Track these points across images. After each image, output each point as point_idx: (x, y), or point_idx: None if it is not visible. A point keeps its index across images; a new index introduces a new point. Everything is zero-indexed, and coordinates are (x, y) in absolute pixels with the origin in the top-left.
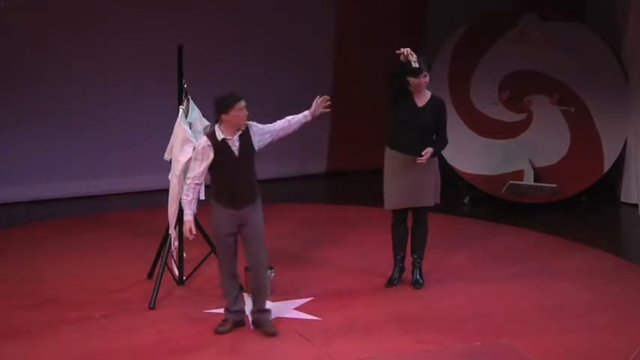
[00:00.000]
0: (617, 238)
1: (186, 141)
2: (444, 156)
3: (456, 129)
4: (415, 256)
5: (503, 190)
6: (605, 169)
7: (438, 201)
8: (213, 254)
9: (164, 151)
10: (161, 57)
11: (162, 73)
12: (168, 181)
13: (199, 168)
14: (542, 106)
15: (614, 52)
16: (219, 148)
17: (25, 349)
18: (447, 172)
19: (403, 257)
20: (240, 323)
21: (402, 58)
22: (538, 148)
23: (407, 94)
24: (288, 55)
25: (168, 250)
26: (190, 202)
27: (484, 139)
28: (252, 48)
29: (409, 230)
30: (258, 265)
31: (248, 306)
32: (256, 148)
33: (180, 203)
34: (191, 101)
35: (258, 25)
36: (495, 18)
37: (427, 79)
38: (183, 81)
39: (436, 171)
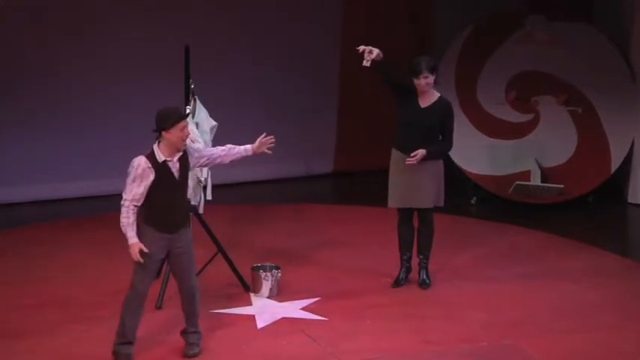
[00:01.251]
0: (624, 238)
1: (193, 141)
2: (451, 156)
3: (463, 129)
4: (421, 256)
5: (510, 191)
6: (613, 170)
7: (441, 204)
8: (219, 254)
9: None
10: (168, 57)
11: (169, 73)
12: None
13: (138, 189)
14: (549, 106)
15: (622, 52)
16: (160, 170)
17: (33, 349)
18: (454, 172)
19: (409, 257)
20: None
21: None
22: (545, 148)
23: (412, 95)
24: (293, 56)
25: None
26: (132, 224)
27: (491, 139)
28: (258, 48)
29: (415, 230)
30: (194, 290)
31: (256, 305)
32: (190, 169)
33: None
34: (198, 101)
35: (263, 25)
36: (502, 18)
37: (429, 80)
38: (190, 81)
39: (439, 173)
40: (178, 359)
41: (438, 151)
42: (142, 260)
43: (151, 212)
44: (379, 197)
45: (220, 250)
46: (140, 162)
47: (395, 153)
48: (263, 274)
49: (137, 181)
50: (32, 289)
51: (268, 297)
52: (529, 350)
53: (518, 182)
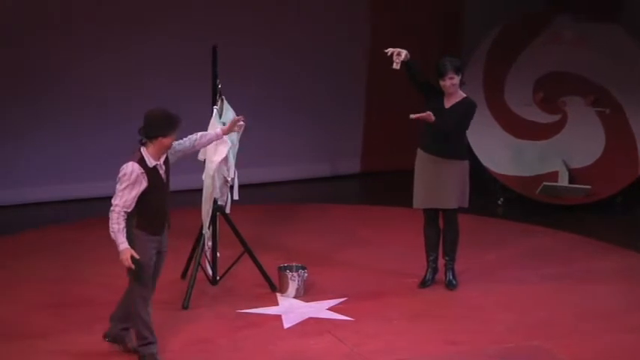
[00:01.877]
0: None
1: (220, 141)
2: (478, 157)
3: (490, 130)
4: (447, 258)
5: (538, 192)
6: None
7: (465, 205)
8: (246, 254)
9: (197, 151)
10: (195, 57)
11: (197, 73)
12: (202, 181)
13: (129, 196)
14: (576, 107)
15: None
16: (151, 175)
17: (59, 348)
18: (481, 173)
19: (436, 258)
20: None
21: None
22: (572, 149)
23: (439, 96)
24: (320, 56)
25: (202, 250)
26: (123, 230)
27: (518, 140)
28: (285, 48)
29: (441, 231)
30: (154, 289)
31: (283, 305)
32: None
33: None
34: (225, 101)
35: (290, 25)
36: (530, 19)
37: (454, 80)
38: (218, 81)
39: (464, 174)
40: (205, 357)
41: (441, 125)
42: (133, 266)
43: (143, 217)
44: (406, 198)
45: (247, 250)
46: (134, 168)
47: (420, 153)
48: (290, 274)
49: (129, 188)
50: (54, 288)
51: (295, 297)
52: (555, 351)
53: (545, 183)
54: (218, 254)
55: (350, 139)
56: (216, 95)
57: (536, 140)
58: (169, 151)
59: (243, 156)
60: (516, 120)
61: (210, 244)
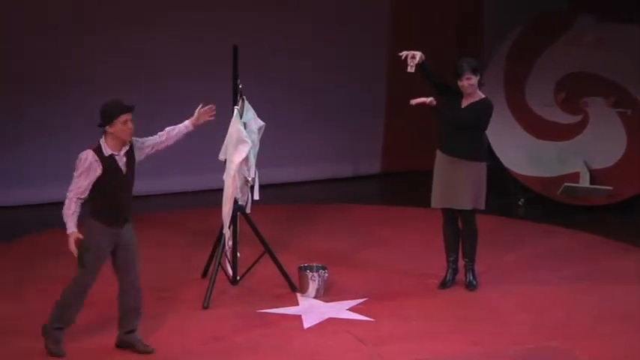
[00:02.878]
0: None
1: (241, 141)
2: (499, 157)
3: (511, 130)
4: (466, 259)
5: (559, 192)
6: None
7: (481, 207)
8: (267, 254)
9: (218, 151)
10: (217, 57)
11: (218, 73)
12: (222, 181)
13: (83, 182)
14: (598, 107)
15: None
16: (107, 164)
17: (79, 347)
18: (502, 173)
19: (456, 259)
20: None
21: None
22: (594, 150)
23: (457, 96)
24: (341, 56)
25: (223, 250)
26: (72, 215)
27: (539, 140)
28: (306, 49)
29: (460, 232)
30: (138, 286)
31: (303, 305)
32: (136, 163)
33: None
34: (246, 101)
35: (311, 25)
36: (551, 19)
37: (472, 81)
38: (238, 81)
39: (481, 176)
40: (225, 357)
41: (441, 114)
42: (76, 252)
43: (98, 206)
44: (426, 198)
45: (267, 249)
46: (87, 156)
47: (438, 154)
48: (310, 275)
49: (83, 175)
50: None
51: (315, 297)
52: (576, 352)
53: (566, 184)
54: (238, 254)
55: (371, 140)
56: (237, 95)
57: (557, 141)
58: (136, 146)
59: (264, 156)
60: (537, 120)
61: (230, 243)
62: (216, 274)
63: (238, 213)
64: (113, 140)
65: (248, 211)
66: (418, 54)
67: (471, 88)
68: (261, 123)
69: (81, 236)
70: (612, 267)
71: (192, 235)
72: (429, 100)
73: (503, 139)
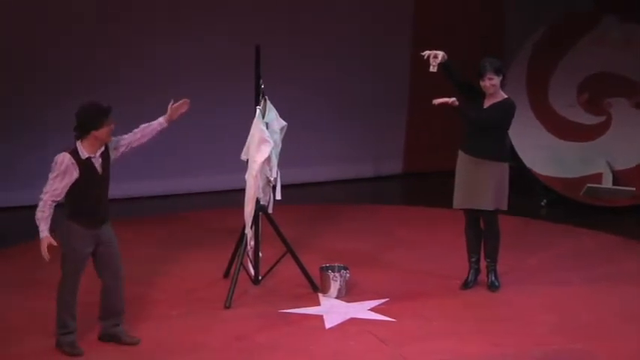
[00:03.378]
0: None
1: (263, 141)
2: (521, 158)
3: (534, 131)
4: (488, 260)
5: (581, 193)
6: None
7: (503, 207)
8: (288, 254)
9: (240, 151)
10: (239, 57)
11: (240, 73)
12: (245, 181)
13: (59, 185)
14: (621, 108)
15: None
16: (84, 166)
17: (102, 345)
18: (524, 174)
19: (478, 260)
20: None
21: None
22: (617, 150)
23: (479, 97)
24: (363, 56)
25: (244, 250)
26: (47, 218)
27: (562, 141)
28: (327, 49)
29: (482, 233)
30: (120, 282)
31: (325, 306)
32: (111, 162)
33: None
34: (268, 101)
35: (333, 25)
36: (575, 19)
37: (494, 81)
38: (261, 81)
39: (503, 177)
40: (247, 357)
41: (465, 114)
42: (48, 257)
43: (76, 209)
44: (448, 199)
45: (289, 250)
46: (64, 159)
47: (460, 154)
48: (332, 275)
49: (59, 178)
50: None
51: (336, 297)
52: (598, 353)
53: (589, 185)
54: (260, 254)
55: (393, 140)
56: (259, 95)
57: (580, 142)
58: (111, 146)
59: (286, 156)
60: (560, 121)
61: (252, 243)
62: (238, 274)
63: (260, 213)
64: (92, 143)
65: (270, 211)
66: (440, 53)
67: (493, 88)
68: (283, 123)
69: (54, 242)
70: (635, 268)
71: (214, 234)
72: (451, 100)
73: (525, 140)
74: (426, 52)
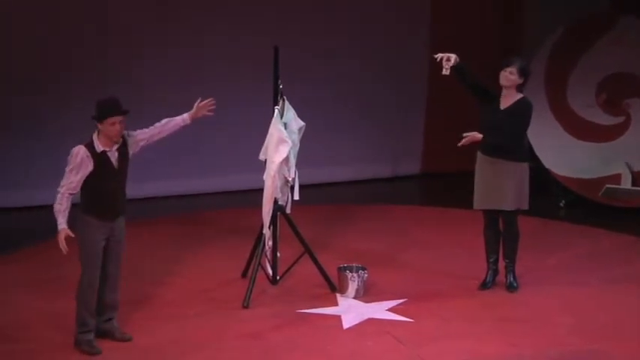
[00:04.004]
0: None
1: (281, 141)
2: (540, 158)
3: (553, 131)
4: (507, 260)
5: (600, 194)
6: None
7: (525, 207)
8: (306, 254)
9: (259, 152)
10: (257, 56)
11: (258, 73)
12: (263, 181)
13: (75, 177)
14: None
15: None
16: (99, 160)
17: (119, 345)
18: (543, 175)
19: (496, 260)
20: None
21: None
22: (636, 151)
23: (494, 97)
24: (381, 57)
25: (262, 250)
26: (64, 211)
27: (581, 142)
28: (345, 49)
29: (501, 233)
30: (118, 278)
31: (342, 306)
32: (130, 156)
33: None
34: (286, 101)
35: (351, 26)
36: (594, 19)
37: (512, 76)
38: (279, 81)
39: (524, 176)
40: (264, 357)
41: (493, 141)
42: (66, 249)
43: (91, 202)
44: (466, 199)
45: (307, 250)
46: (79, 151)
47: (479, 155)
48: (349, 275)
49: (75, 170)
50: (126, 285)
51: (354, 297)
52: (616, 354)
53: (608, 185)
54: (278, 254)
55: (410, 140)
56: (277, 95)
57: (598, 142)
58: (129, 141)
59: (304, 156)
60: (579, 122)
61: (270, 243)
62: (256, 274)
63: (278, 213)
64: (103, 137)
65: (288, 211)
66: (453, 56)
67: (507, 81)
68: (301, 123)
69: (71, 233)
70: None
71: (231, 234)
72: (476, 137)
73: (544, 140)
74: (439, 55)
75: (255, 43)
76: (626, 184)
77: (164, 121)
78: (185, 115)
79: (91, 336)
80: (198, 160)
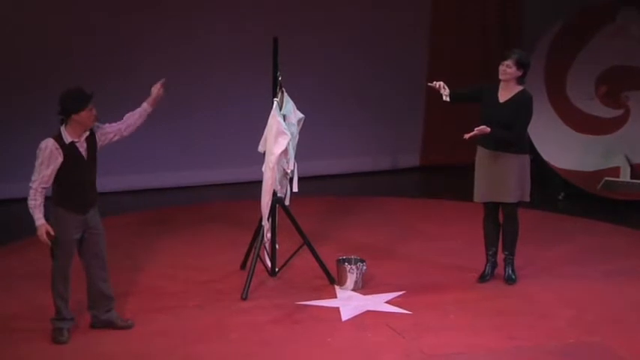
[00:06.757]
0: None
1: (280, 133)
2: (539, 151)
3: (552, 124)
4: (506, 252)
5: (599, 187)
6: None
7: (526, 199)
8: (305, 246)
9: (257, 143)
10: (257, 48)
11: (257, 64)
12: (262, 173)
13: (46, 171)
14: (639, 101)
15: None
16: (68, 151)
17: (120, 336)
18: (542, 167)
19: (495, 253)
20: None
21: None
22: (635, 144)
23: (492, 92)
24: (381, 49)
25: (261, 242)
26: (40, 205)
27: (580, 134)
28: (345, 42)
29: (500, 226)
30: (106, 267)
31: (341, 298)
32: (98, 147)
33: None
34: (285, 93)
35: (351, 18)
36: (593, 12)
37: (509, 69)
38: (278, 73)
39: (524, 169)
40: (263, 348)
41: (502, 136)
42: (49, 242)
43: (63, 194)
44: (465, 191)
45: (306, 242)
46: (48, 144)
47: (479, 149)
48: (348, 267)
49: (45, 164)
50: (120, 277)
51: (353, 290)
52: (616, 347)
53: (607, 178)
54: (277, 246)
55: (410, 133)
56: (276, 87)
57: (598, 135)
58: (98, 132)
59: (303, 148)
60: (578, 114)
61: (269, 235)
62: (254, 266)
63: (277, 205)
64: (74, 128)
65: (287, 203)
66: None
67: (505, 75)
68: (300, 115)
69: (51, 230)
70: None
71: (230, 226)
72: (483, 130)
73: (543, 133)
74: (435, 83)
75: (255, 34)
76: (625, 176)
77: (127, 115)
78: (144, 104)
79: (63, 325)
80: (197, 152)
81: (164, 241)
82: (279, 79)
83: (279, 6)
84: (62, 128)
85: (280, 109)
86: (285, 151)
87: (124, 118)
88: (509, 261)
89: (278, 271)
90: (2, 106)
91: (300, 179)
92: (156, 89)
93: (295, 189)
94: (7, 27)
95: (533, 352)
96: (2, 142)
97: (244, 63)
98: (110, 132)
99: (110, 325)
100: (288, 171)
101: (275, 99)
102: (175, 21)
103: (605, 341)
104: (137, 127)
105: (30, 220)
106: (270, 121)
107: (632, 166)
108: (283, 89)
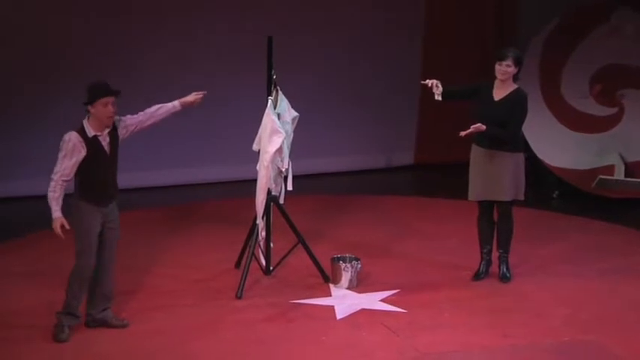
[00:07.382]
0: None
1: (274, 132)
2: (534, 149)
3: (546, 122)
4: (501, 250)
5: (593, 185)
6: None
7: (521, 197)
8: (300, 245)
9: (252, 142)
10: (251, 47)
11: (252, 64)
12: (256, 171)
13: (68, 163)
14: (634, 100)
15: None
16: (91, 145)
17: (116, 335)
18: (536, 166)
19: (489, 251)
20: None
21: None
22: (629, 142)
23: (487, 89)
24: (375, 47)
25: (256, 240)
26: (58, 198)
27: (574, 133)
28: (340, 40)
29: (495, 224)
30: (114, 265)
31: (336, 296)
32: (120, 141)
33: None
34: (280, 92)
35: (346, 17)
36: (588, 11)
37: (509, 69)
38: (273, 72)
39: (519, 167)
40: (258, 347)
41: (497, 134)
42: (63, 236)
43: (85, 187)
44: (459, 190)
45: (301, 240)
46: (71, 137)
47: (474, 147)
48: (343, 265)
49: (68, 156)
50: (123, 275)
51: (348, 288)
52: (611, 346)
53: (601, 176)
54: (272, 244)
55: (404, 131)
56: (271, 86)
57: (592, 133)
58: (120, 125)
59: (298, 147)
60: (572, 113)
61: (263, 234)
62: (249, 265)
63: (272, 203)
64: (95, 121)
65: (281, 201)
66: (437, 81)
67: (505, 75)
68: (295, 114)
69: (67, 224)
70: None
71: (225, 225)
72: (479, 127)
73: (537, 131)
74: (428, 81)
75: (250, 33)
76: (620, 174)
77: (155, 107)
78: (175, 102)
79: (69, 321)
80: (191, 150)
81: (159, 240)
82: (274, 77)
83: (274, 4)
84: (85, 121)
85: (275, 108)
86: (280, 150)
87: (150, 110)
88: (503, 259)
89: (273, 269)
90: (2, 106)
91: (294, 177)
92: (195, 96)
93: (290, 187)
94: (7, 27)
95: (528, 350)
96: (2, 142)
97: (239, 61)
98: (131, 124)
99: (105, 324)
100: (283, 169)
101: (269, 97)
102: (175, 21)
103: (600, 339)
104: (160, 121)
105: (30, 219)
106: (265, 119)
107: (626, 164)
108: (278, 88)
